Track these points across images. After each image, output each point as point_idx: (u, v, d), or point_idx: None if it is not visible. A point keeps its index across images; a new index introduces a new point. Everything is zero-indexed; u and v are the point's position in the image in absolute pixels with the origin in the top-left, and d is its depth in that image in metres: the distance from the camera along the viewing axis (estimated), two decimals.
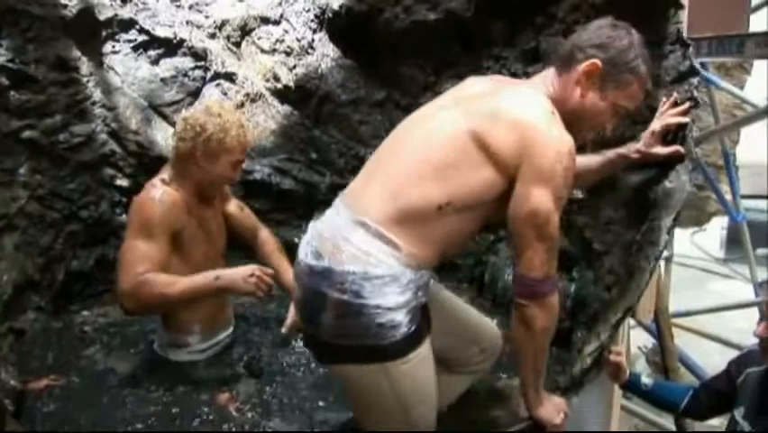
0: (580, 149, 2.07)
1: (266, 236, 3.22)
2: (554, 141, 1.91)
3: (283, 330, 3.00)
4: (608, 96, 2.06)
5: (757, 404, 2.34)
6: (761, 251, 8.60)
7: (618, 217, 2.74)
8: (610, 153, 2.47)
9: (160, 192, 2.72)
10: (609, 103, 2.07)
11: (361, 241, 1.93)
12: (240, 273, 2.59)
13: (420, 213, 1.93)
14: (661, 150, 2.42)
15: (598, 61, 2.00)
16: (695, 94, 2.50)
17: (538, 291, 1.96)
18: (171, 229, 2.70)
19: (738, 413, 2.41)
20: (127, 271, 2.57)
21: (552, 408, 2.18)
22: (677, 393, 2.64)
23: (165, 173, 2.82)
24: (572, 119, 2.04)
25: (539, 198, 1.89)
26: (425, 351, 2.01)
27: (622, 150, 2.47)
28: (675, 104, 2.45)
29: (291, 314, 2.96)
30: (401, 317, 1.91)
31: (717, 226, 10.30)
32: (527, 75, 3.31)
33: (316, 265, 1.96)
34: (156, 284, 2.55)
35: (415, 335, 1.96)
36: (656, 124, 2.42)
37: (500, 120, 1.94)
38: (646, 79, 2.08)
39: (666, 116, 2.42)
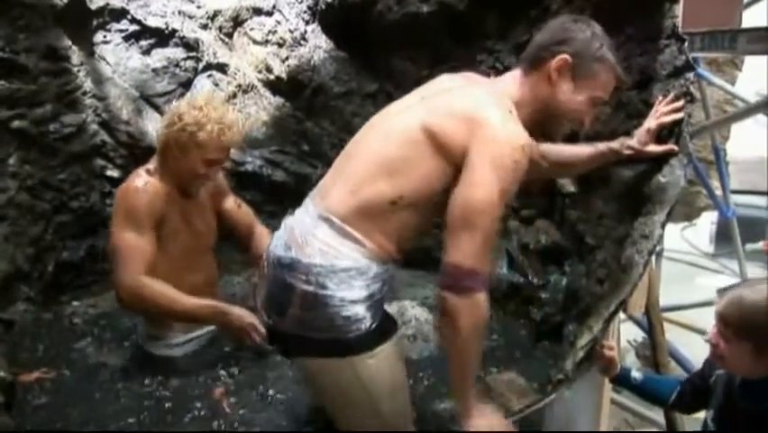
0: (571, 140, 2.06)
1: (262, 233, 3.21)
2: (506, 134, 1.88)
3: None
4: (581, 89, 2.04)
5: (723, 407, 2.34)
6: (750, 246, 8.62)
7: (611, 211, 2.73)
8: (602, 146, 2.45)
9: (142, 182, 2.72)
10: (584, 96, 2.06)
11: (327, 236, 1.96)
12: (241, 321, 2.70)
13: (376, 208, 1.95)
14: (654, 148, 2.40)
15: (566, 56, 1.99)
16: (691, 89, 2.50)
17: (463, 284, 1.84)
18: (155, 219, 2.70)
19: (709, 415, 2.41)
20: (127, 268, 2.60)
21: (486, 422, 1.96)
22: (666, 387, 2.64)
23: (150, 164, 2.82)
24: (548, 116, 2.07)
25: (481, 187, 1.85)
26: (390, 347, 2.03)
27: (614, 144, 2.44)
28: (671, 100, 2.44)
29: None
30: (365, 311, 1.95)
31: (707, 221, 10.32)
32: None
33: (284, 256, 2.00)
34: (161, 295, 2.62)
35: (380, 329, 1.99)
36: (651, 123, 2.40)
37: (454, 115, 1.94)
38: (615, 66, 2.07)
39: (661, 114, 2.41)
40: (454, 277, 1.84)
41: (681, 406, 2.65)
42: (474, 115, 1.91)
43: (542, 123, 2.08)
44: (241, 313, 2.72)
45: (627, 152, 2.42)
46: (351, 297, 1.92)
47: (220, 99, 3.61)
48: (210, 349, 2.96)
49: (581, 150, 2.47)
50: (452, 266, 1.84)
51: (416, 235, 2.10)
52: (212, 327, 2.98)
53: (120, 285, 2.62)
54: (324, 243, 1.95)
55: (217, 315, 2.73)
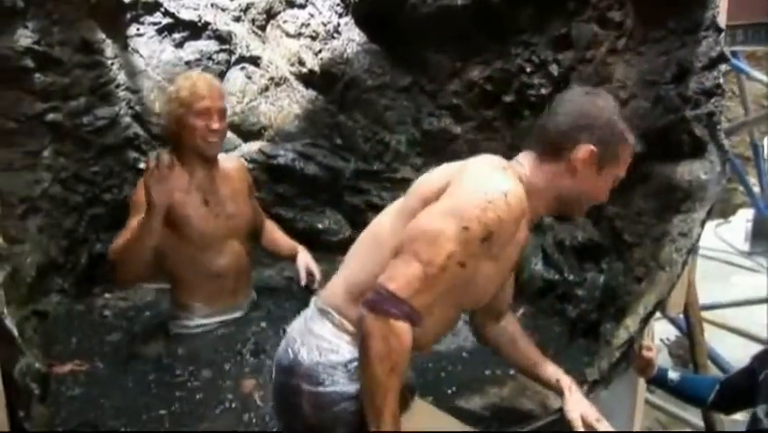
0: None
1: (272, 226, 3.40)
2: (487, 177, 1.80)
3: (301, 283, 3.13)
4: (606, 174, 1.95)
5: None
6: None
7: (650, 208, 2.69)
8: (550, 370, 2.23)
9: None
10: (609, 179, 1.97)
11: (323, 330, 1.95)
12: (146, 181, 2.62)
13: (366, 289, 1.81)
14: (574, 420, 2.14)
15: (591, 147, 1.87)
16: (721, 81, 2.45)
17: (383, 307, 1.70)
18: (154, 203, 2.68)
19: (761, 411, 2.37)
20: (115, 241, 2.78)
21: None
22: (704, 387, 2.60)
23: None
24: (568, 202, 1.98)
25: (437, 217, 1.76)
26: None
27: (563, 382, 2.20)
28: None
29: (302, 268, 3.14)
30: None
31: (742, 219, 10.19)
32: (557, 62, 3.27)
33: (284, 359, 1.99)
34: (117, 241, 2.75)
35: None
36: (588, 417, 2.10)
37: (443, 171, 1.91)
38: (632, 139, 1.97)
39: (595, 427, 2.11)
40: (379, 297, 1.72)
41: (720, 406, 2.61)
42: (462, 166, 1.88)
43: (560, 207, 2.01)
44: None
45: (562, 392, 2.20)
46: (352, 391, 1.88)
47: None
48: (234, 333, 2.96)
49: (534, 359, 2.28)
50: (380, 285, 1.74)
51: None
52: (235, 315, 3.05)
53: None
54: (320, 337, 1.93)
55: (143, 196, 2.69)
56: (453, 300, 1.92)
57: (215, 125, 2.87)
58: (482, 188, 1.77)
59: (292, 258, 3.26)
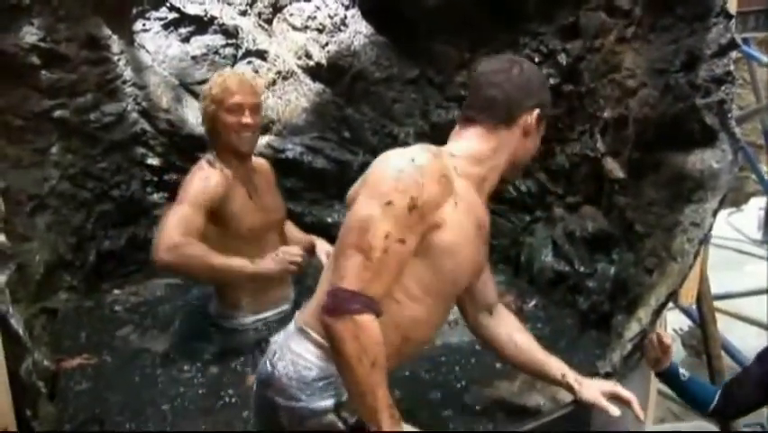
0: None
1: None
2: (396, 154, 1.85)
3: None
4: (540, 132, 2.08)
5: None
6: None
7: (661, 198, 2.65)
8: (555, 366, 2.22)
9: (204, 174, 2.84)
10: (539, 136, 2.09)
11: (299, 347, 1.95)
12: (269, 256, 2.74)
13: None
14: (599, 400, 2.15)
15: (538, 110, 2.01)
16: (732, 68, 2.42)
17: (345, 307, 1.69)
18: (211, 203, 2.78)
19: None
20: (167, 230, 2.65)
21: None
22: (709, 392, 2.57)
23: (208, 155, 2.93)
24: (518, 164, 2.09)
25: (360, 207, 1.78)
26: None
27: (567, 376, 2.19)
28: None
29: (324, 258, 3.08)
30: (338, 419, 1.91)
31: (755, 207, 10.14)
32: (566, 52, 3.25)
33: (263, 373, 2.01)
34: (196, 248, 2.64)
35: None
36: (606, 389, 2.16)
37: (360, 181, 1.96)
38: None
39: (619, 392, 2.16)
40: (337, 300, 1.71)
41: (722, 412, 2.57)
42: (373, 162, 1.90)
43: (511, 171, 2.09)
44: (267, 262, 2.74)
45: (570, 388, 2.19)
46: (322, 406, 1.89)
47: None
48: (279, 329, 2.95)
49: (537, 357, 2.25)
50: (332, 288, 1.73)
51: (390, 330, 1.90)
52: (282, 308, 3.09)
53: (155, 245, 2.66)
54: (297, 355, 1.93)
55: (245, 262, 2.73)
56: (433, 286, 1.92)
57: (247, 120, 2.88)
58: (389, 165, 1.81)
59: (311, 249, 3.25)
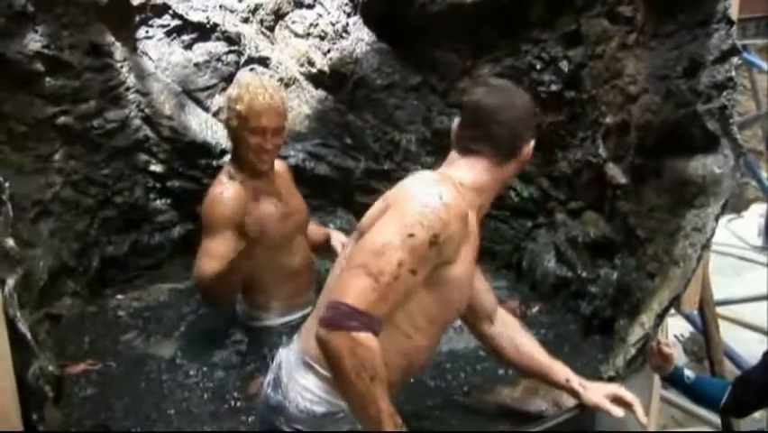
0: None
1: None
2: (423, 187, 1.89)
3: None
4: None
5: None
6: None
7: (663, 203, 2.66)
8: (559, 370, 2.23)
9: (219, 190, 2.83)
10: None
11: (305, 380, 1.96)
12: None
13: None
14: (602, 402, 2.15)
15: (532, 141, 2.08)
16: (733, 74, 2.43)
17: (342, 322, 1.69)
18: (234, 220, 2.75)
19: None
20: (201, 265, 2.73)
21: None
22: (718, 389, 2.58)
23: (229, 165, 2.92)
24: (502, 190, 2.20)
25: (381, 231, 1.82)
26: None
27: (571, 381, 2.20)
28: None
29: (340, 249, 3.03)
30: None
31: (755, 214, 10.14)
32: (567, 59, 3.26)
33: (272, 397, 2.02)
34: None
35: None
36: (609, 391, 2.15)
37: (383, 199, 1.99)
38: None
39: (623, 394, 2.16)
40: (334, 312, 1.72)
41: (734, 407, 2.58)
42: (395, 188, 1.96)
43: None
44: None
45: (572, 392, 2.21)
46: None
47: (254, 76, 3.68)
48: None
49: (542, 362, 2.26)
50: (334, 302, 1.74)
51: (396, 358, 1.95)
52: (305, 311, 2.99)
53: (195, 278, 2.78)
54: (303, 387, 1.95)
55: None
56: (439, 317, 1.98)
57: (269, 146, 2.84)
58: (417, 197, 1.84)
59: (326, 243, 3.26)
